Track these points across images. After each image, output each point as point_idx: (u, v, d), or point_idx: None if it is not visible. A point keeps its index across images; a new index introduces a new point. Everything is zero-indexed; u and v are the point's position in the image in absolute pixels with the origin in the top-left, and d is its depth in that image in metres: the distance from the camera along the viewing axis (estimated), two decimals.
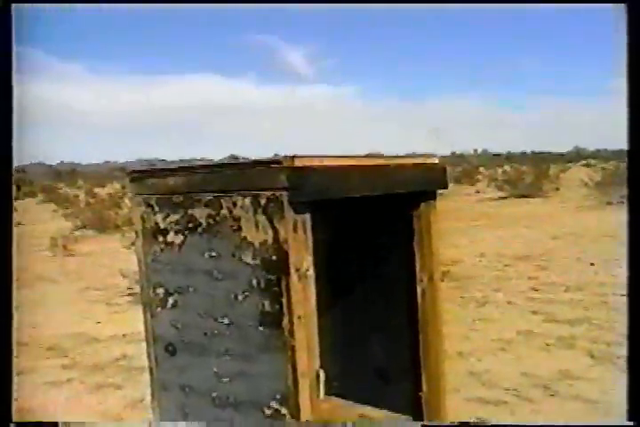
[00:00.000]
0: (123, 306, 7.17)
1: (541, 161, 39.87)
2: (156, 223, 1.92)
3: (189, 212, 1.81)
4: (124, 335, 5.79)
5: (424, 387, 2.05)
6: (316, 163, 1.59)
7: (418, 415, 2.09)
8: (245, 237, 1.66)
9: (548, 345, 5.11)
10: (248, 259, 1.65)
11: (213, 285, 1.77)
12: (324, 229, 1.88)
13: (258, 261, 1.63)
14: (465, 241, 11.16)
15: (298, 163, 1.56)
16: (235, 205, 1.66)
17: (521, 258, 9.20)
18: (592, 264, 8.32)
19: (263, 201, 1.59)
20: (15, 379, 4.72)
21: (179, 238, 1.88)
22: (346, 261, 2.19)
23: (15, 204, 24.95)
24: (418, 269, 1.97)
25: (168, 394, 2.00)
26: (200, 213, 1.78)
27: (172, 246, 1.90)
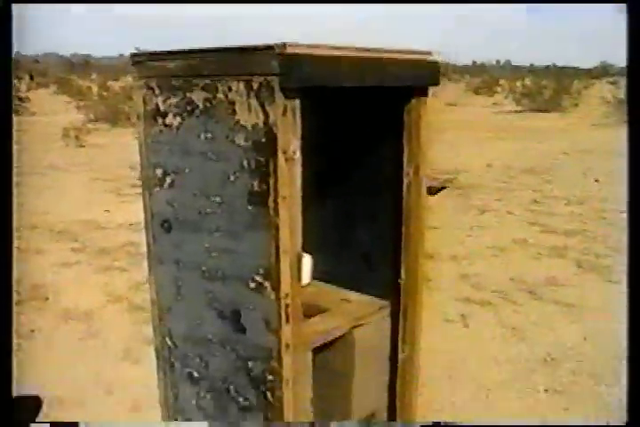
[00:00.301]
0: (131, 196, 7.33)
1: (565, 76, 38.81)
2: (157, 106, 1.98)
3: (188, 95, 1.87)
4: (130, 224, 5.99)
5: (403, 275, 2.19)
6: (308, 51, 1.64)
7: (396, 301, 2.24)
8: (239, 121, 1.73)
9: (539, 254, 5.28)
10: (240, 141, 1.73)
11: (207, 165, 1.86)
12: (314, 117, 1.94)
13: (249, 144, 1.71)
14: (475, 152, 11.16)
15: (290, 50, 1.60)
16: (230, 89, 1.72)
17: (527, 171, 9.24)
18: (597, 180, 8.38)
19: (256, 86, 1.64)
20: (28, 259, 4.96)
21: (177, 121, 1.95)
22: (335, 150, 2.27)
23: (28, 94, 24.85)
24: (405, 162, 2.05)
25: (163, 268, 2.15)
26: (198, 97, 1.84)
27: (170, 128, 1.98)
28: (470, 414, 2.81)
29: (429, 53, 2.01)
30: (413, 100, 2.01)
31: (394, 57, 1.88)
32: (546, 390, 3.00)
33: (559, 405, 2.89)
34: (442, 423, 2.70)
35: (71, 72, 52.86)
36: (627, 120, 2.04)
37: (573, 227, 6.07)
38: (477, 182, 8.40)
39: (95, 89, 27.96)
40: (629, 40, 1.75)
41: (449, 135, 13.14)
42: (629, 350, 1.97)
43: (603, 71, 62.46)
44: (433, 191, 6.66)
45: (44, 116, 19.72)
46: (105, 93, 23.15)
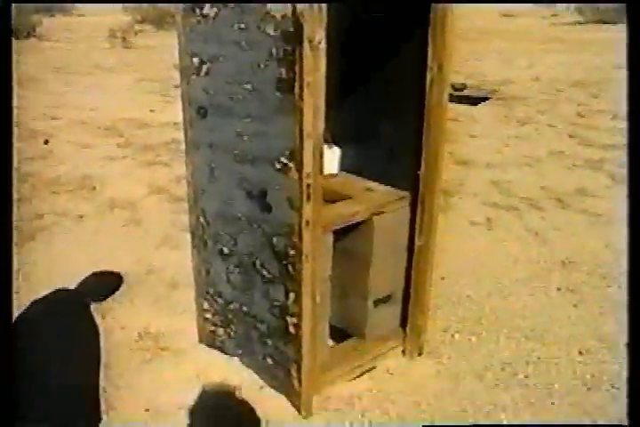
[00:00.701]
0: (176, 97, 7.46)
1: None
2: None
3: None
4: (175, 123, 6.14)
5: (422, 167, 2.31)
6: None
7: (416, 192, 2.38)
8: (269, 11, 1.82)
9: (574, 166, 5.30)
10: (270, 30, 1.83)
11: (240, 54, 1.97)
12: (340, 8, 2.00)
13: (278, 33, 1.81)
14: (524, 63, 10.85)
15: None
16: None
17: (576, 84, 9.01)
18: None
19: None
20: (77, 152, 5.20)
21: (213, 11, 2.05)
22: (364, 48, 2.34)
23: None
24: (430, 57, 2.12)
25: (199, 152, 2.31)
26: None
27: (206, 19, 2.08)
28: (485, 307, 2.99)
29: None
30: None
31: None
32: (559, 289, 3.16)
33: (570, 302, 3.05)
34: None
35: None
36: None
37: (614, 141, 6.01)
38: (523, 94, 8.25)
39: None
40: (629, 40, 1.75)
41: (501, 46, 12.77)
42: (629, 349, 1.98)
43: None
44: (475, 102, 6.73)
45: (92, 16, 19.63)
46: None
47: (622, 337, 2.65)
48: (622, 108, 7.52)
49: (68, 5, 21.09)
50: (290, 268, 2.06)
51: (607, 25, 18.68)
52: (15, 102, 6.70)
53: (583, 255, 3.55)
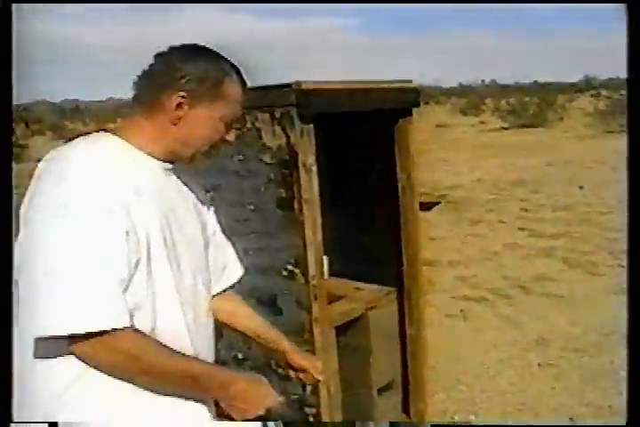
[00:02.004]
0: None
1: (550, 91, 39.65)
2: None
3: None
4: None
5: (405, 264, 2.64)
6: (317, 86, 2.12)
7: (400, 287, 2.69)
8: (265, 143, 2.20)
9: (529, 255, 5.73)
10: (267, 159, 2.20)
11: (241, 181, 2.33)
12: (325, 137, 2.40)
13: (275, 161, 2.18)
14: (464, 169, 11.67)
15: (303, 86, 2.08)
16: (257, 119, 2.19)
17: (516, 183, 9.74)
18: (581, 187, 8.86)
19: (278, 115, 2.12)
20: None
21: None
22: (342, 161, 2.74)
23: (26, 142, 25.43)
24: (398, 168, 2.52)
25: None
26: None
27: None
28: (475, 388, 3.23)
29: (410, 81, 2.51)
30: (401, 120, 2.50)
31: (381, 86, 2.37)
32: (539, 365, 3.43)
33: (551, 375, 3.31)
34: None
35: (63, 118, 53.42)
36: (627, 122, 2.03)
37: (559, 230, 6.53)
38: (469, 196, 8.88)
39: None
40: (629, 41, 1.79)
41: (439, 155, 13.69)
42: (629, 350, 1.92)
43: (586, 85, 63.62)
44: (428, 207, 7.31)
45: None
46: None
47: (606, 401, 2.91)
48: (561, 200, 8.18)
49: (21, 152, 21.73)
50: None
51: (529, 129, 20.22)
52: None
53: (554, 333, 3.86)
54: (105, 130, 1.36)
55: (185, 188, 1.44)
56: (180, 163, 1.39)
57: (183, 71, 1.29)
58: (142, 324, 1.21)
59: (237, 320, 1.64)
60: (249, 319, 1.67)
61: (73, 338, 1.12)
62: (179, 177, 1.41)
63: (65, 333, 1.10)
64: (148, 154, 1.32)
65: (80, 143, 1.30)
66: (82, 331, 1.10)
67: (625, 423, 1.77)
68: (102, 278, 1.14)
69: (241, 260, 1.72)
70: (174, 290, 1.28)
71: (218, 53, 1.37)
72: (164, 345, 1.20)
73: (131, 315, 1.17)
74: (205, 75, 1.30)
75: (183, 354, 1.23)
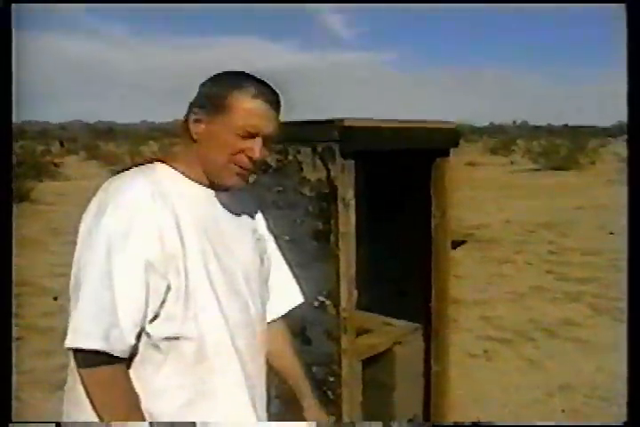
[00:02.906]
0: None
1: (582, 134, 39.55)
2: None
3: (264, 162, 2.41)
4: None
5: (433, 300, 2.66)
6: (358, 123, 2.18)
7: (427, 323, 2.71)
8: (305, 176, 2.26)
9: (555, 298, 5.69)
10: (306, 192, 2.26)
11: (279, 213, 2.38)
12: (363, 172, 2.45)
13: (314, 194, 2.23)
14: (493, 209, 11.65)
15: (346, 123, 2.14)
16: (299, 152, 2.25)
17: (544, 225, 9.69)
18: (611, 233, 8.79)
19: (320, 149, 2.18)
20: None
21: (252, 178, 2.49)
22: (379, 197, 2.79)
23: (60, 160, 25.96)
24: (433, 206, 2.56)
25: None
26: (270, 159, 2.38)
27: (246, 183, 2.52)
28: None
29: (450, 122, 2.56)
30: (438, 159, 2.55)
31: (422, 126, 2.43)
32: (563, 411, 3.40)
33: (576, 422, 3.27)
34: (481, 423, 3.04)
35: (97, 138, 54.42)
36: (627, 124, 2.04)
37: (587, 275, 6.48)
38: (497, 236, 8.85)
39: (123, 154, 29.11)
40: (629, 41, 1.82)
41: (468, 193, 13.69)
42: (629, 351, 1.99)
43: (620, 130, 63.31)
44: (454, 245, 7.30)
45: (79, 180, 20.61)
46: (136, 159, 24.17)
47: None
48: (590, 245, 8.11)
49: (55, 170, 22.20)
50: (329, 393, 2.32)
51: (559, 171, 20.14)
52: (20, 262, 7.05)
53: (579, 379, 3.82)
54: (158, 159, 1.43)
55: (236, 214, 1.50)
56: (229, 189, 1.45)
57: (199, 92, 1.38)
58: (189, 348, 1.27)
59: (276, 363, 1.67)
60: (288, 364, 1.72)
61: (75, 352, 1.24)
62: (231, 204, 1.47)
63: (67, 345, 1.22)
64: (195, 181, 1.39)
65: (133, 173, 1.37)
66: (69, 345, 1.21)
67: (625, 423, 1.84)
68: (108, 301, 1.21)
69: (301, 288, 1.77)
70: (220, 315, 1.33)
71: (240, 72, 1.40)
72: (135, 400, 1.26)
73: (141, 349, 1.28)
74: (211, 90, 1.36)
75: (139, 413, 1.26)
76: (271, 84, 1.41)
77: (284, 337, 1.71)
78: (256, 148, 1.36)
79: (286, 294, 1.71)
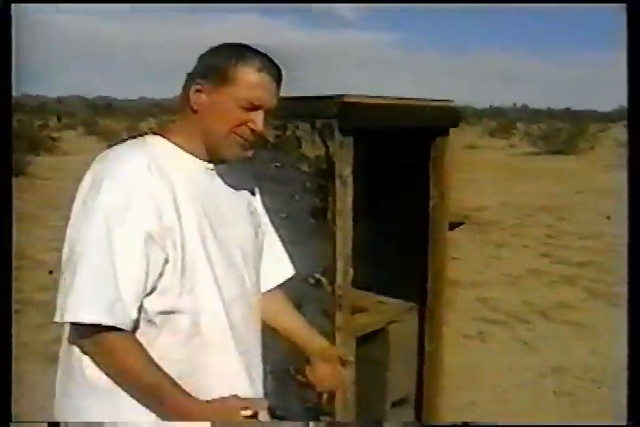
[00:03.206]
0: None
1: (582, 118, 39.41)
2: None
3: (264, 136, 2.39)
4: None
5: (429, 280, 2.66)
6: (358, 100, 2.15)
7: (422, 303, 2.70)
8: (303, 153, 2.23)
9: (551, 282, 5.70)
10: (305, 168, 2.24)
11: (276, 188, 2.36)
12: (362, 149, 2.43)
13: (312, 170, 2.21)
14: (491, 191, 11.63)
15: (345, 99, 2.12)
16: (297, 128, 2.23)
17: (542, 209, 9.69)
18: (608, 217, 8.78)
19: (319, 125, 2.15)
20: None
21: (250, 152, 2.47)
22: (377, 175, 2.77)
23: (57, 134, 25.82)
24: (431, 186, 2.54)
25: None
26: (269, 134, 2.36)
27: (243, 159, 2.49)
28: (488, 411, 3.22)
29: (450, 101, 2.53)
30: (438, 138, 2.52)
31: (422, 104, 2.40)
32: (554, 392, 3.41)
33: (567, 404, 3.29)
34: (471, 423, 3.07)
35: (96, 114, 54.08)
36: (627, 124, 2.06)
37: (584, 259, 6.49)
38: (494, 219, 8.85)
39: (122, 130, 28.96)
40: (629, 41, 1.82)
41: (466, 176, 13.65)
42: (629, 351, 1.99)
43: (620, 115, 63.04)
44: (452, 227, 7.27)
45: (77, 155, 20.53)
46: (135, 135, 23.99)
47: None
48: (588, 229, 8.12)
49: (53, 144, 22.09)
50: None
51: (559, 155, 20.08)
52: (18, 237, 7.02)
53: (572, 362, 3.84)
54: (155, 132, 1.42)
55: (233, 188, 1.49)
56: (226, 163, 1.44)
57: (200, 63, 1.37)
58: (183, 322, 1.27)
59: (279, 322, 1.68)
60: (291, 320, 1.72)
61: (74, 326, 1.23)
62: (228, 177, 1.46)
63: (63, 319, 1.20)
64: (192, 154, 1.38)
65: (129, 146, 1.36)
66: (71, 320, 1.19)
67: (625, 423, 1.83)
68: (109, 275, 1.19)
69: (292, 261, 1.76)
70: (215, 288, 1.32)
71: (242, 45, 1.39)
72: (151, 360, 1.23)
73: (148, 320, 1.26)
74: (215, 61, 1.35)
75: (164, 373, 1.24)
76: (273, 58, 1.40)
77: (281, 299, 1.71)
78: (259, 120, 1.36)
79: (278, 267, 1.70)
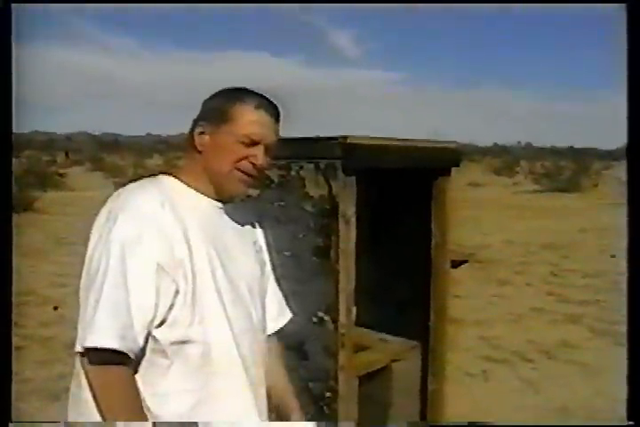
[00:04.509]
0: None
1: (586, 157, 39.62)
2: None
3: (266, 173, 2.44)
4: None
5: (432, 318, 2.67)
6: (361, 141, 2.21)
7: (425, 341, 2.71)
8: (307, 192, 2.28)
9: (555, 320, 5.68)
10: (308, 208, 2.28)
11: (280, 227, 2.40)
12: (365, 189, 2.48)
13: (316, 210, 2.26)
14: (495, 229, 11.66)
15: (349, 140, 2.17)
16: (301, 168, 2.28)
17: (546, 247, 9.70)
18: (613, 256, 8.78)
19: (322, 166, 2.21)
20: None
21: (255, 192, 2.52)
22: (380, 214, 2.82)
23: (65, 170, 26.07)
24: (433, 225, 2.58)
25: None
26: (273, 174, 2.41)
27: (249, 198, 2.54)
28: None
29: (452, 142, 2.59)
30: (439, 178, 2.57)
31: (423, 145, 2.46)
32: None
33: None
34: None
35: (102, 150, 54.59)
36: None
37: (588, 297, 6.48)
38: (498, 257, 8.85)
39: (128, 166, 29.22)
40: (629, 41, 1.86)
41: (470, 213, 13.71)
42: (629, 350, 1.99)
43: (623, 153, 63.26)
44: (455, 265, 7.31)
45: (82, 191, 20.68)
46: (140, 171, 24.26)
47: None
48: (592, 267, 8.11)
49: (60, 180, 22.30)
50: (325, 409, 2.32)
51: (562, 193, 20.14)
52: (23, 272, 7.05)
53: (577, 402, 3.81)
54: (165, 172, 1.48)
55: (240, 226, 1.55)
56: (233, 201, 1.52)
57: (203, 107, 1.47)
58: (195, 352, 1.31)
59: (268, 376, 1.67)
60: (276, 375, 1.69)
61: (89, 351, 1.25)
62: (235, 216, 1.53)
63: (86, 345, 1.23)
64: (201, 193, 1.45)
65: (142, 183, 1.43)
66: (88, 344, 1.23)
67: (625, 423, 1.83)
68: (122, 304, 1.24)
69: (289, 304, 1.80)
70: (225, 320, 1.36)
71: (241, 88, 1.48)
72: (139, 403, 1.27)
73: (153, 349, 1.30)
74: (215, 104, 1.45)
75: (142, 414, 1.27)
76: (271, 98, 1.49)
77: (276, 354, 1.73)
78: (259, 154, 1.44)
79: (279, 309, 1.74)
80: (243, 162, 1.42)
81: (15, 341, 4.96)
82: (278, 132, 1.50)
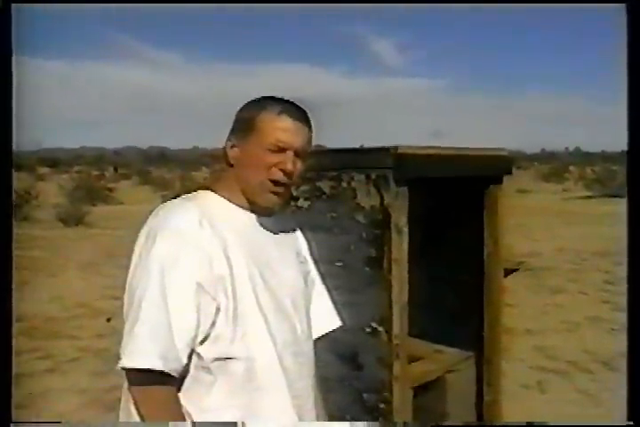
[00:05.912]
0: None
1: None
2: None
3: (317, 184, 2.45)
4: None
5: (485, 328, 2.64)
6: (412, 151, 2.20)
7: (479, 351, 2.67)
8: (359, 203, 2.28)
9: (613, 329, 5.53)
10: (360, 218, 2.28)
11: (332, 238, 2.41)
12: (416, 199, 2.47)
13: (367, 220, 2.25)
14: (546, 236, 11.45)
15: (400, 150, 2.17)
16: (352, 179, 2.28)
17: (599, 253, 9.46)
18: None
19: (374, 176, 2.21)
20: None
21: (306, 203, 2.53)
22: (431, 223, 2.80)
23: (113, 185, 26.64)
24: (485, 234, 2.55)
25: None
26: (324, 185, 2.42)
27: (300, 209, 2.55)
28: None
29: (502, 149, 2.56)
30: (491, 186, 2.54)
31: (474, 153, 2.43)
32: None
33: None
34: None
35: (149, 164, 55.56)
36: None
37: None
38: (549, 265, 8.68)
39: (175, 179, 29.67)
40: (629, 41, 1.84)
41: (519, 221, 13.48)
42: (629, 350, 2.02)
43: None
44: (506, 273, 7.13)
45: (131, 205, 21.09)
46: (188, 184, 24.64)
47: None
48: None
49: (108, 195, 22.81)
50: (380, 420, 2.31)
51: (614, 198, 19.63)
52: (75, 285, 7.21)
53: None
54: (205, 187, 1.50)
55: (280, 238, 1.54)
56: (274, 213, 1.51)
57: (234, 122, 1.48)
58: (238, 368, 1.31)
59: None
60: None
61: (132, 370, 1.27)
62: (275, 228, 1.52)
63: (126, 365, 1.26)
64: (239, 206, 1.45)
65: (181, 200, 1.44)
66: (129, 365, 1.25)
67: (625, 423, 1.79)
68: (163, 324, 1.26)
69: (339, 311, 1.79)
70: (267, 334, 1.36)
71: (265, 97, 1.47)
72: (180, 418, 1.29)
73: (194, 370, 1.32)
74: (241, 115, 1.45)
75: None
76: (296, 102, 1.48)
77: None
78: (288, 160, 1.41)
79: (326, 318, 1.73)
80: (272, 170, 1.40)
81: (70, 352, 5.08)
82: (309, 137, 1.47)
